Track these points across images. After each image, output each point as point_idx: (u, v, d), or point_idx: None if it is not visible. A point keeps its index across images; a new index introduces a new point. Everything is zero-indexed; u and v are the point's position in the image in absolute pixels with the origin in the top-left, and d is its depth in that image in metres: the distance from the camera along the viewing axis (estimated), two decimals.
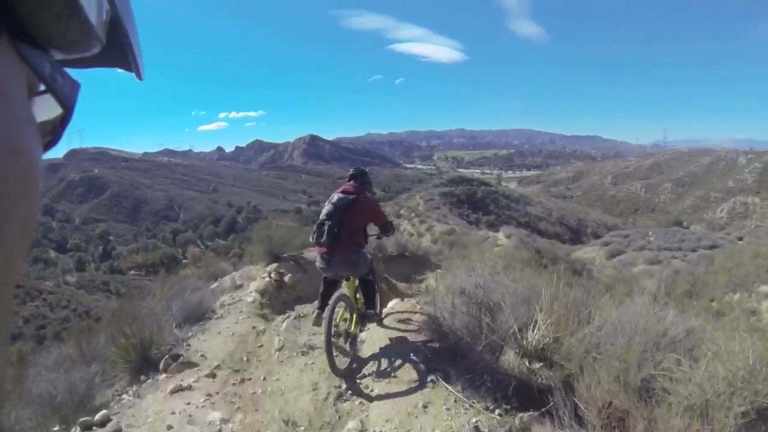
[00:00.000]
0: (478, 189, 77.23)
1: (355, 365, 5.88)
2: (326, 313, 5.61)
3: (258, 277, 10.88)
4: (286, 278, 10.76)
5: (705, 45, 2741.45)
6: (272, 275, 10.63)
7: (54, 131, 0.51)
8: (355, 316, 6.36)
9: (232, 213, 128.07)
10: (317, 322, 6.17)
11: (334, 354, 5.58)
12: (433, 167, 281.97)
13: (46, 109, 0.48)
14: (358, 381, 5.56)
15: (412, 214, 52.03)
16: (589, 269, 36.85)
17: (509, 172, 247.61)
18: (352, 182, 6.35)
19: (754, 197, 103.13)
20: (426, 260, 17.92)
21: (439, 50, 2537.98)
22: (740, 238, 54.38)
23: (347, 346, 6.17)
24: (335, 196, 6.12)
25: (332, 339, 5.56)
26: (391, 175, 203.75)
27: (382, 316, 7.07)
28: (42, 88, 0.47)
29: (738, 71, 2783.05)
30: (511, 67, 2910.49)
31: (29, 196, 0.42)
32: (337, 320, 6.11)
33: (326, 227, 5.88)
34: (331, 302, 5.73)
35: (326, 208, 6.08)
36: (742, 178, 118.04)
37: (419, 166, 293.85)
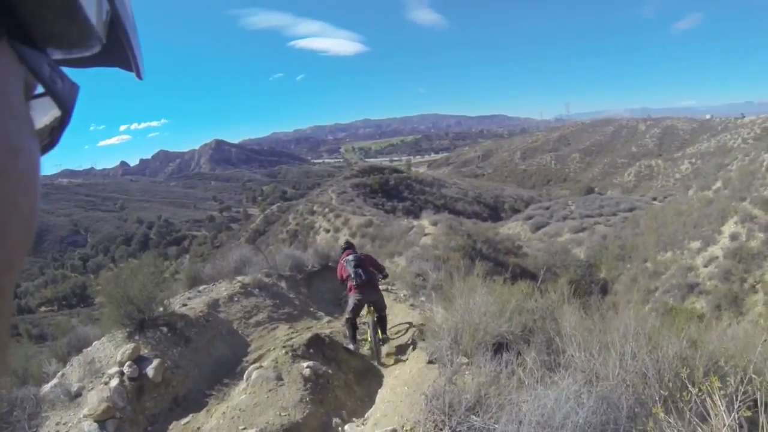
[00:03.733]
0: (390, 177, 75.95)
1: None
2: (371, 329, 8.81)
3: (104, 376, 7.04)
4: (150, 369, 7.10)
5: (597, 18, 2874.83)
6: (125, 370, 6.89)
7: (52, 133, 0.52)
8: (376, 331, 8.89)
9: (144, 229, 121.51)
10: (354, 341, 9.11)
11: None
12: (342, 160, 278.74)
13: (44, 111, 0.49)
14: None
15: (326, 210, 51.00)
16: (518, 245, 36.17)
17: (417, 157, 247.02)
18: (350, 249, 9.86)
19: (657, 159, 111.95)
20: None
21: (339, 43, 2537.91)
22: (654, 199, 56.60)
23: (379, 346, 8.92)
24: (350, 257, 9.21)
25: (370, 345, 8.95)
26: (300, 173, 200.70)
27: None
28: (40, 90, 0.47)
29: (627, 42, 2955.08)
30: (412, 55, 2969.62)
31: (29, 196, 0.42)
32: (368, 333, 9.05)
33: (357, 272, 8.85)
34: (370, 322, 8.82)
35: (351, 264, 9.02)
36: (644, 143, 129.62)
37: (327, 160, 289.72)
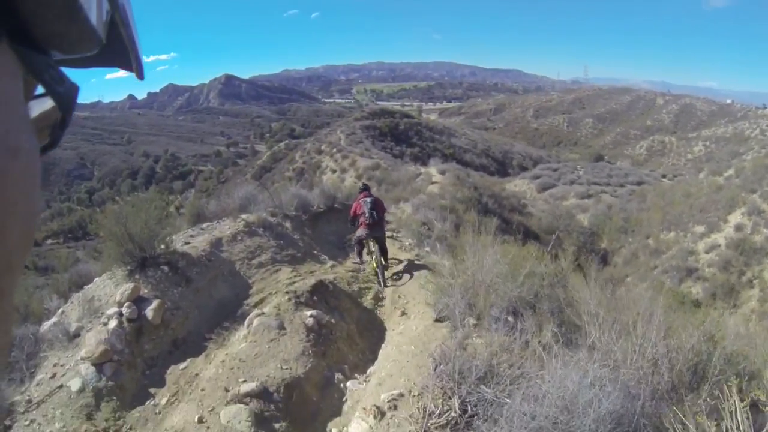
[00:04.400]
0: (401, 121, 75.30)
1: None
2: (376, 257, 10.20)
3: (102, 317, 6.85)
4: (150, 311, 6.92)
5: None
6: (124, 311, 6.70)
7: (53, 133, 0.52)
8: (379, 259, 10.16)
9: (150, 163, 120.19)
10: (360, 255, 10.95)
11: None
12: (353, 101, 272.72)
13: (44, 111, 0.50)
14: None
15: (334, 150, 50.64)
16: (523, 204, 36.05)
17: (429, 104, 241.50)
18: (367, 191, 10.88)
19: (671, 137, 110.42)
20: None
21: None
22: (664, 176, 56.08)
23: (379, 276, 10.18)
24: (367, 200, 10.36)
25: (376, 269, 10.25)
26: (310, 111, 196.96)
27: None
28: (41, 90, 0.47)
29: (655, 14, 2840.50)
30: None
31: (29, 196, 0.42)
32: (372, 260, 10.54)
33: (371, 213, 10.12)
34: (376, 252, 10.17)
35: (368, 205, 10.22)
36: (660, 118, 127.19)
37: (338, 101, 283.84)
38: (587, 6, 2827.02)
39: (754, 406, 3.75)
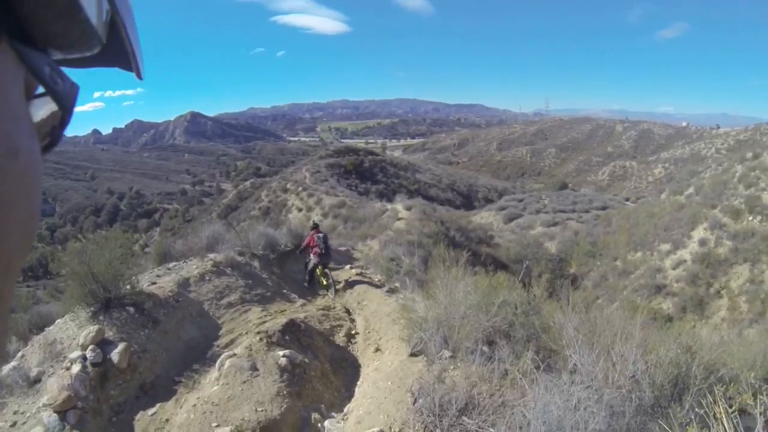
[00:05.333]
0: (365, 158, 75.87)
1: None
2: (326, 278, 12.17)
3: (65, 361, 6.58)
4: (115, 354, 6.67)
5: (582, 18, 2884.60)
6: (88, 355, 6.45)
7: (53, 133, 0.52)
8: (326, 281, 12.20)
9: (114, 200, 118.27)
10: (310, 282, 12.57)
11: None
12: (318, 139, 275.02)
13: (44, 110, 0.49)
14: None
15: (300, 188, 50.67)
16: (490, 235, 36.41)
17: (393, 140, 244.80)
18: (317, 228, 12.64)
19: (632, 161, 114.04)
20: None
21: (323, 22, 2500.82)
22: (627, 199, 57.33)
23: (330, 290, 12.01)
24: (320, 235, 12.26)
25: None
26: (275, 149, 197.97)
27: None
28: (41, 90, 0.47)
29: (611, 45, 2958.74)
30: (395, 39, 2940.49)
31: (29, 196, 0.43)
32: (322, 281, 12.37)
33: (325, 245, 12.13)
34: (329, 275, 12.16)
35: (321, 240, 12.13)
36: (620, 144, 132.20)
37: (303, 139, 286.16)
38: (546, 42, 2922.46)
39: (741, 411, 3.77)
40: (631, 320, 5.42)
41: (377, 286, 12.00)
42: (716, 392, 3.72)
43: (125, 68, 0.61)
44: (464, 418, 4.42)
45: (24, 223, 0.42)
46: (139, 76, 0.63)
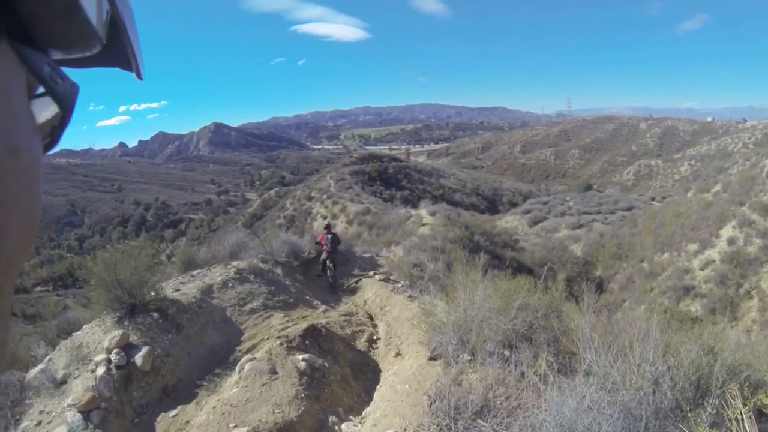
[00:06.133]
0: (389, 165, 75.25)
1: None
2: (330, 270, 13.73)
3: (90, 363, 6.72)
4: (139, 357, 6.77)
5: (601, 13, 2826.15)
6: (113, 358, 6.57)
7: (53, 133, 0.52)
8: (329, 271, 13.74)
9: (141, 211, 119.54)
10: (323, 271, 13.96)
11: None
12: (341, 147, 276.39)
13: (44, 110, 0.50)
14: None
15: (324, 196, 50.70)
16: (515, 239, 36.16)
17: (417, 146, 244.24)
18: (328, 229, 14.28)
19: (657, 159, 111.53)
20: (351, 256, 15.30)
21: (342, 29, 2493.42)
22: (653, 199, 56.17)
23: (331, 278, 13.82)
24: (329, 236, 13.85)
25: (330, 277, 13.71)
26: (299, 158, 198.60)
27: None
28: (41, 90, 0.47)
29: (631, 40, 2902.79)
30: (414, 43, 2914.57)
31: (30, 195, 0.43)
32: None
33: (331, 245, 13.68)
34: (331, 266, 13.70)
35: (329, 240, 13.73)
36: (644, 143, 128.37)
37: (327, 147, 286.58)
38: (566, 40, 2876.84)
39: (760, 413, 3.69)
40: (649, 321, 5.35)
41: (400, 292, 12.02)
42: (736, 394, 3.66)
43: (125, 68, 0.61)
44: (479, 420, 4.40)
45: (25, 220, 0.42)
46: (139, 76, 0.64)
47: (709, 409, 4.14)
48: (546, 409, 3.93)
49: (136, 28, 0.60)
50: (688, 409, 4.31)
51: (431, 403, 4.88)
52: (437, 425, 4.61)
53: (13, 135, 0.39)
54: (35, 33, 0.43)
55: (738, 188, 28.80)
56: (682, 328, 6.59)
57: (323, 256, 13.84)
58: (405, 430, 4.93)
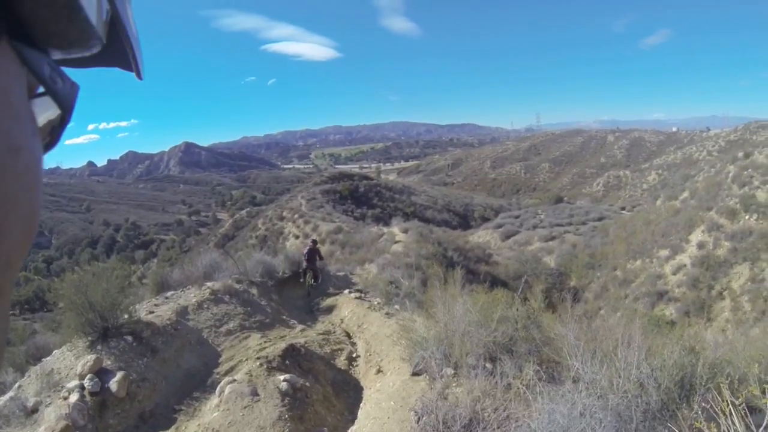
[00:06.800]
0: (360, 183, 75.44)
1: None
2: (307, 278, 14.54)
3: (63, 390, 6.50)
4: (114, 383, 6.58)
5: (568, 31, 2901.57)
6: (86, 384, 6.37)
7: (53, 133, 0.52)
8: (310, 280, 14.59)
9: (110, 232, 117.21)
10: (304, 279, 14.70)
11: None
12: (311, 166, 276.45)
13: (44, 110, 0.49)
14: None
15: (296, 216, 50.85)
16: (488, 254, 36.40)
17: (387, 164, 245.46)
18: (313, 243, 15.55)
19: (625, 170, 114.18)
20: (324, 275, 15.37)
21: (313, 48, 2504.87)
22: (623, 208, 57.14)
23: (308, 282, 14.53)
24: (305, 249, 15.10)
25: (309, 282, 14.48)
26: (270, 178, 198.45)
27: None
28: (41, 89, 0.47)
29: (598, 55, 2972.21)
30: (385, 62, 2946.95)
31: (30, 195, 0.43)
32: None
33: (308, 255, 14.64)
34: (310, 275, 14.56)
35: (306, 251, 14.87)
36: (612, 154, 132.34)
37: (297, 166, 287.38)
38: (535, 57, 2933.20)
39: (750, 407, 3.72)
40: (630, 326, 5.39)
41: (377, 309, 11.95)
42: (723, 389, 3.69)
43: (125, 68, 0.60)
44: None
45: (25, 219, 0.42)
46: (139, 76, 0.63)
47: (696, 407, 4.17)
48: (537, 417, 3.90)
49: (136, 28, 0.60)
50: (674, 407, 4.34)
51: (419, 419, 4.82)
52: None
53: (13, 135, 0.39)
54: (35, 33, 0.42)
55: (705, 194, 29.82)
56: (661, 332, 6.67)
57: (304, 265, 14.87)
58: None
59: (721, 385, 3.75)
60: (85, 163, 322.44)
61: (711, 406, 3.75)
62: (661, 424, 4.10)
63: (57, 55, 0.47)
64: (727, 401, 3.58)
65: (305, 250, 15.12)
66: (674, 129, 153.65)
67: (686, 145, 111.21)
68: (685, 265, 26.04)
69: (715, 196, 28.61)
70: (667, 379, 4.55)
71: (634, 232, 33.24)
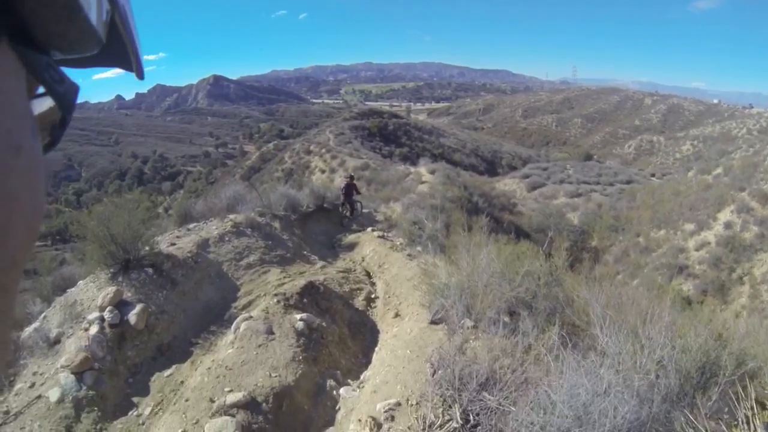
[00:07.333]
0: (389, 121, 74.90)
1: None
2: (346, 209, 16.05)
3: (84, 322, 6.54)
4: (133, 315, 6.60)
5: None
6: (106, 316, 6.39)
7: (53, 133, 0.53)
8: (346, 212, 16.05)
9: (138, 164, 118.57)
10: (342, 208, 16.07)
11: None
12: (341, 101, 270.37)
13: (44, 110, 0.50)
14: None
15: (323, 150, 50.27)
16: (513, 203, 36.03)
17: (418, 104, 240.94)
18: (349, 178, 16.42)
19: (659, 136, 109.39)
20: (358, 209, 15.35)
21: None
22: (653, 175, 55.75)
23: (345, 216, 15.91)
24: (342, 184, 16.08)
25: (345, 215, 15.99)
26: (298, 111, 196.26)
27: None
28: (41, 89, 0.47)
29: (643, 13, 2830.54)
30: (419, 1, 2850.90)
31: (33, 194, 0.43)
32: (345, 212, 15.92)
33: (345, 190, 15.64)
34: (347, 208, 15.98)
35: (342, 187, 15.81)
36: (648, 118, 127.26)
37: (327, 101, 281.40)
38: (575, 7, 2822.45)
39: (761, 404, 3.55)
40: (659, 301, 5.16)
41: (399, 250, 11.83)
42: (748, 387, 3.50)
43: (126, 68, 0.60)
44: (485, 393, 4.22)
45: (28, 218, 0.42)
46: (139, 76, 0.63)
47: (714, 396, 3.98)
48: (559, 388, 3.73)
49: (137, 27, 0.59)
50: (692, 394, 4.16)
51: (434, 372, 4.70)
52: (441, 395, 4.43)
53: (14, 134, 0.39)
54: (35, 33, 0.42)
55: (739, 173, 28.80)
56: (684, 310, 6.41)
57: (341, 199, 16.00)
58: (407, 399, 4.74)
59: (746, 381, 3.54)
60: (113, 96, 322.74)
61: (730, 397, 3.54)
62: (676, 408, 3.90)
63: (57, 56, 0.47)
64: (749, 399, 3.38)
65: (342, 185, 15.92)
66: (715, 101, 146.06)
67: (726, 120, 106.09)
68: (709, 243, 25.43)
69: (750, 177, 27.65)
70: (689, 363, 4.33)
71: (661, 200, 32.49)
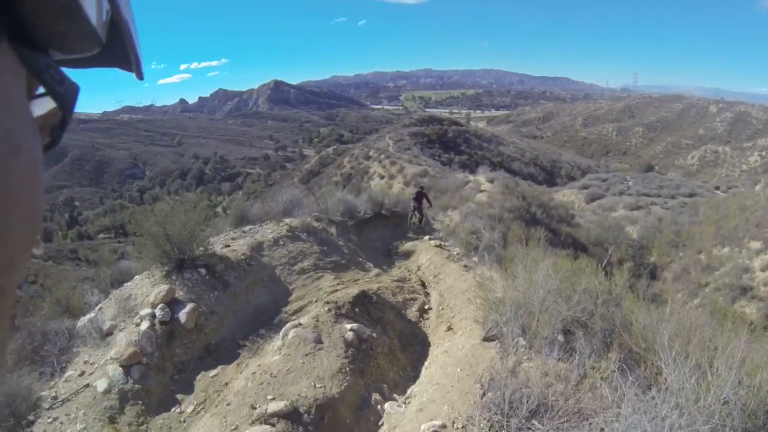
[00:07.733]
0: (449, 128, 74.50)
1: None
2: (416, 218, 15.69)
3: (136, 317, 6.61)
4: (183, 314, 6.62)
5: None
6: (157, 313, 6.43)
7: (53, 133, 0.53)
8: (416, 221, 15.63)
9: (199, 165, 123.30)
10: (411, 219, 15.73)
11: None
12: (401, 107, 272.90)
13: (44, 110, 0.50)
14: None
15: (382, 156, 50.15)
16: (571, 214, 35.13)
17: (477, 111, 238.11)
18: (420, 187, 17.02)
19: (725, 146, 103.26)
20: (406, 218, 15.04)
21: None
22: (717, 188, 53.21)
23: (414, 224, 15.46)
24: (415, 192, 16.32)
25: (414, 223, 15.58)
26: (358, 117, 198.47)
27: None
28: (41, 89, 0.47)
29: (707, 15, 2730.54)
30: (478, 6, 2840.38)
31: (32, 194, 0.43)
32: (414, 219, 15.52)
33: (416, 199, 15.69)
34: (417, 215, 15.69)
35: (413, 195, 16.07)
36: (713, 127, 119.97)
37: (386, 107, 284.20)
38: (636, 12, 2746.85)
39: None
40: (724, 329, 4.71)
41: (455, 260, 11.58)
42: None
43: (125, 68, 0.60)
44: (534, 421, 3.94)
45: (28, 219, 0.41)
46: (139, 76, 0.62)
47: None
48: (615, 425, 3.40)
49: (137, 27, 0.59)
50: None
51: (483, 394, 4.45)
52: (488, 420, 4.18)
53: (14, 134, 0.39)
54: (35, 33, 0.42)
55: None
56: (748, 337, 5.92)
57: (412, 205, 16.00)
58: (453, 422, 4.51)
59: None
60: (177, 100, 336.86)
61: None
62: None
63: (57, 56, 0.47)
64: None
65: (414, 194, 16.24)
66: None
67: None
68: None
69: None
70: (756, 403, 3.91)
71: (726, 215, 30.53)
